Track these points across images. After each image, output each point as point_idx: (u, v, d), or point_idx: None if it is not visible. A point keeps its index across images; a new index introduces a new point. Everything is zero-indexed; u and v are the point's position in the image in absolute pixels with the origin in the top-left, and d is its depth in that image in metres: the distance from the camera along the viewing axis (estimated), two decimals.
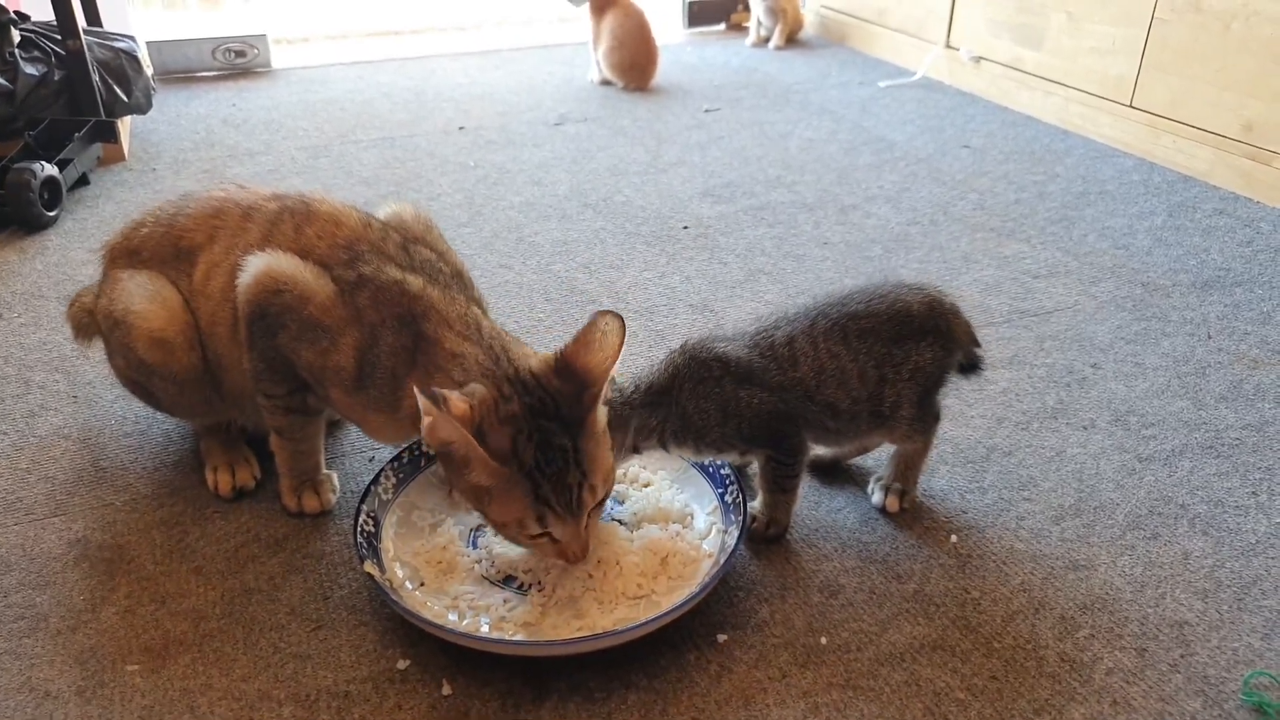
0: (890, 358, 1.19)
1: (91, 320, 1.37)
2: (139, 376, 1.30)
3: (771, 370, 1.18)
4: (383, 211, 1.31)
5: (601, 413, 1.08)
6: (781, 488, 1.23)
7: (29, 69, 2.37)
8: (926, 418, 1.26)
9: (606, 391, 1.08)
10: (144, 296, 1.25)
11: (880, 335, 1.19)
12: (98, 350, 1.40)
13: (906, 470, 1.31)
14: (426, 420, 1.00)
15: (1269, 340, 1.71)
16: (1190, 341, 1.72)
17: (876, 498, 1.32)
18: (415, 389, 1.00)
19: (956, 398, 1.55)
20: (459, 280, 1.23)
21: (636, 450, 1.19)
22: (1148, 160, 2.55)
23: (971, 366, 1.28)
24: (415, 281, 1.16)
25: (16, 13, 2.49)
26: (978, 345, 1.27)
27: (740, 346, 1.19)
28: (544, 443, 1.03)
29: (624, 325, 1.06)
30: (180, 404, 1.33)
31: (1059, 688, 1.05)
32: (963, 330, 1.25)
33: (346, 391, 1.15)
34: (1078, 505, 1.33)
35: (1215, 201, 2.30)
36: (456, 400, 1.00)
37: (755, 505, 1.26)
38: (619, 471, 1.20)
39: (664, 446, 1.19)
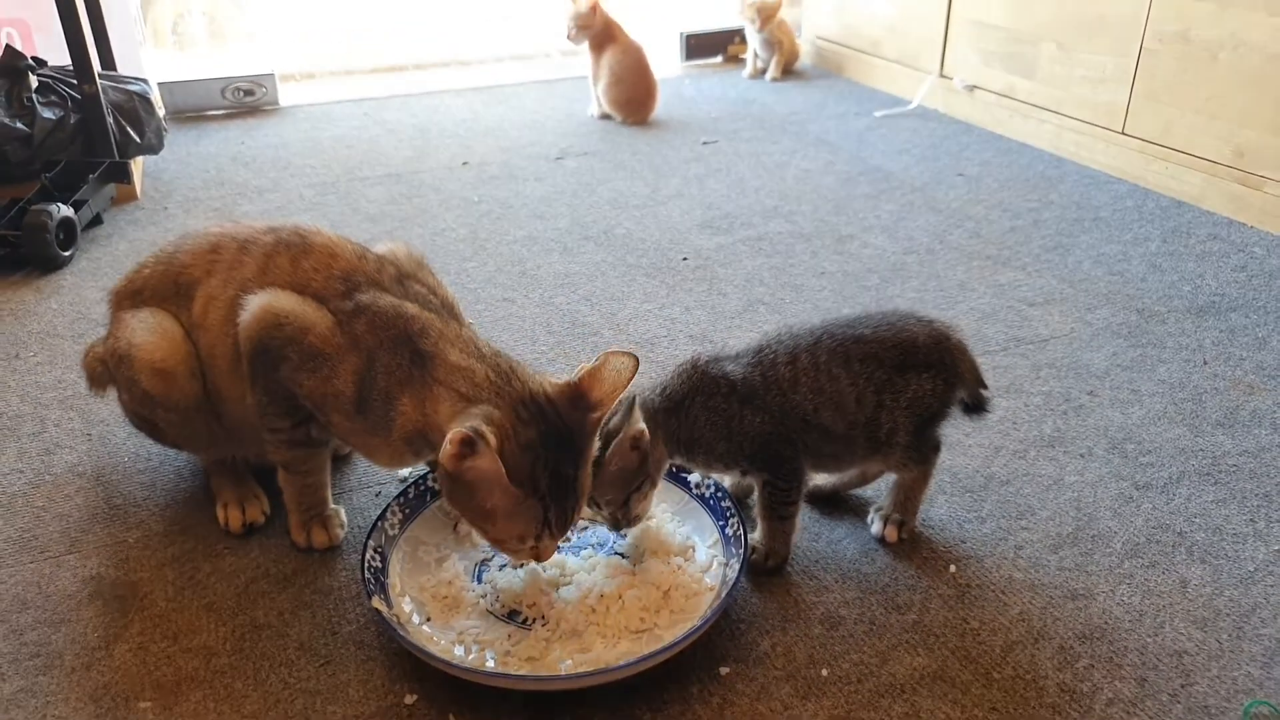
0: (890, 385, 1.21)
1: (105, 369, 1.40)
2: (143, 409, 1.33)
3: (772, 392, 1.20)
4: (377, 249, 1.34)
5: (595, 441, 1.13)
6: (779, 515, 1.25)
7: (46, 113, 2.42)
8: (924, 448, 1.28)
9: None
10: (146, 330, 1.28)
11: (883, 362, 1.21)
12: (112, 393, 1.43)
13: (906, 501, 1.33)
14: (449, 449, 1.02)
15: (1265, 365, 1.73)
16: (1186, 368, 1.74)
17: (876, 528, 1.34)
18: (454, 428, 1.02)
19: (954, 427, 1.56)
20: (449, 311, 1.27)
21: (672, 455, 1.23)
22: (1141, 186, 2.58)
23: (977, 407, 1.29)
24: (411, 305, 1.19)
25: (34, 58, 2.54)
26: (984, 386, 1.29)
27: (744, 366, 1.22)
28: (556, 472, 1.08)
29: (637, 364, 1.11)
30: (183, 435, 1.36)
31: (1059, 718, 1.06)
32: (968, 368, 1.27)
33: (347, 416, 1.18)
34: (1076, 534, 1.34)
35: (1209, 226, 2.32)
36: (489, 433, 1.02)
37: (755, 537, 1.28)
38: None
39: (683, 457, 1.23)
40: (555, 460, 1.08)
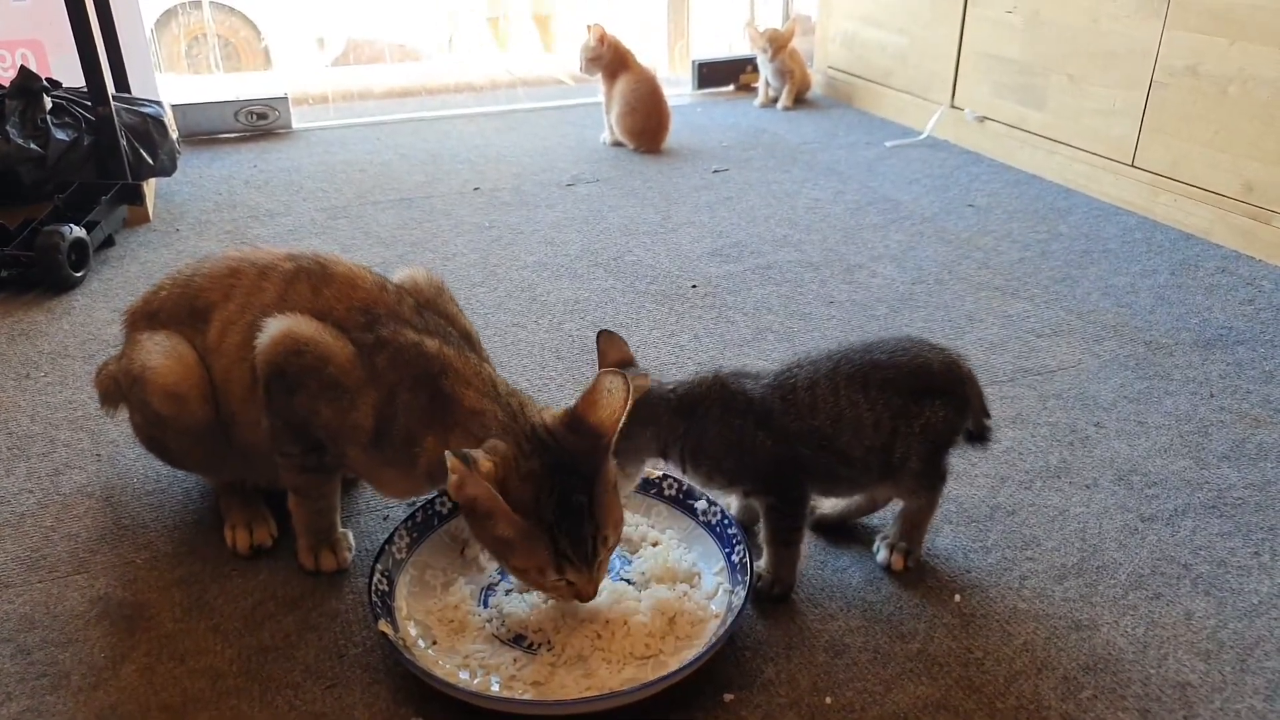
0: (905, 411, 1.22)
1: (117, 388, 1.41)
2: (154, 431, 1.34)
3: (790, 416, 1.21)
4: (397, 275, 1.35)
5: (613, 465, 1.13)
6: (784, 541, 1.25)
7: (59, 134, 2.46)
8: (933, 475, 1.28)
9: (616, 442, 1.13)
10: (160, 353, 1.29)
11: (899, 387, 1.22)
12: (123, 413, 1.45)
13: (912, 529, 1.33)
14: (454, 478, 1.04)
15: (1272, 399, 1.73)
16: (1193, 400, 1.74)
17: (881, 556, 1.34)
18: (447, 451, 1.04)
19: (960, 456, 1.57)
20: (468, 342, 1.28)
21: (663, 456, 1.25)
22: (1150, 219, 2.59)
23: (979, 437, 1.30)
24: (432, 343, 1.20)
25: (48, 80, 2.58)
26: (988, 416, 1.30)
27: (764, 387, 1.23)
28: (563, 499, 1.08)
29: (627, 383, 1.11)
30: (193, 458, 1.37)
31: None
32: (976, 397, 1.28)
33: (364, 449, 1.19)
34: (1080, 565, 1.34)
35: (1217, 260, 2.33)
36: (484, 459, 1.05)
37: (760, 565, 1.28)
38: (641, 475, 1.29)
39: (680, 463, 1.24)
40: (562, 488, 1.09)
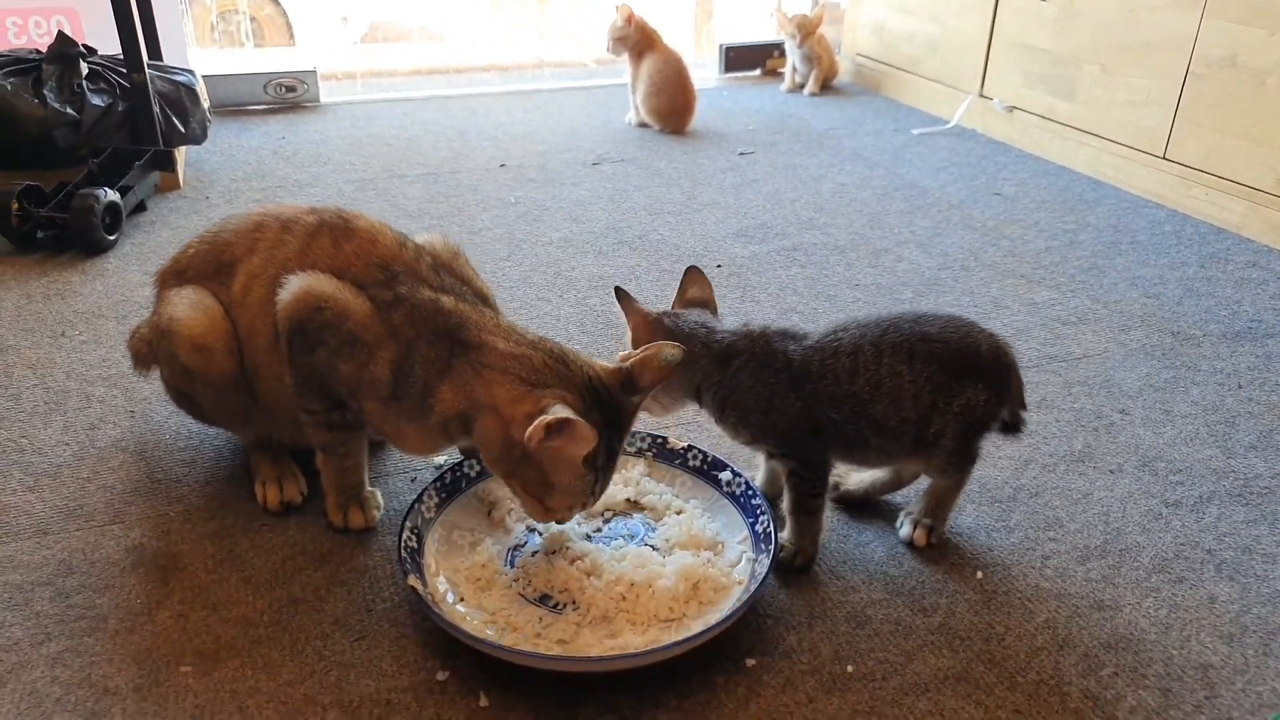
0: (946, 388, 1.21)
1: (149, 350, 1.43)
2: (182, 384, 1.36)
3: (826, 380, 1.22)
4: (416, 239, 1.37)
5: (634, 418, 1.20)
6: (806, 509, 1.26)
7: (95, 99, 2.48)
8: (965, 456, 1.28)
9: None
10: (187, 305, 1.31)
11: (944, 363, 1.21)
12: (155, 374, 1.47)
13: (937, 507, 1.33)
14: (538, 432, 1.05)
15: None
16: (1220, 391, 1.73)
17: (905, 531, 1.35)
18: (548, 407, 1.08)
19: (985, 439, 1.57)
20: (484, 303, 1.30)
21: (697, 400, 1.28)
22: (1180, 212, 2.58)
23: (1014, 426, 1.29)
24: (448, 300, 1.22)
25: (85, 46, 2.60)
26: (1024, 407, 1.29)
27: (806, 349, 1.24)
28: (610, 449, 1.15)
29: (681, 356, 1.17)
30: (220, 412, 1.39)
31: None
32: (1017, 386, 1.27)
33: (382, 402, 1.21)
34: (1104, 547, 1.35)
35: (1248, 254, 2.32)
36: (582, 426, 1.07)
37: (784, 535, 1.29)
38: (673, 410, 1.33)
39: (712, 410, 1.27)
40: (610, 439, 1.14)
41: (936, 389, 1.21)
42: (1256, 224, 2.39)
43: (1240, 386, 1.75)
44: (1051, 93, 2.99)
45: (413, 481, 1.47)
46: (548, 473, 1.12)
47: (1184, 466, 1.52)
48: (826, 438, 1.24)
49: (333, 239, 1.27)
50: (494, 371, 1.15)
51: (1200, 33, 2.48)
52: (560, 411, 1.06)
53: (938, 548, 1.34)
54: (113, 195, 2.28)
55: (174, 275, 1.39)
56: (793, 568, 1.28)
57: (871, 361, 1.21)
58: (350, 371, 1.21)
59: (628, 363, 1.17)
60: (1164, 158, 2.63)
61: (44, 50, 2.54)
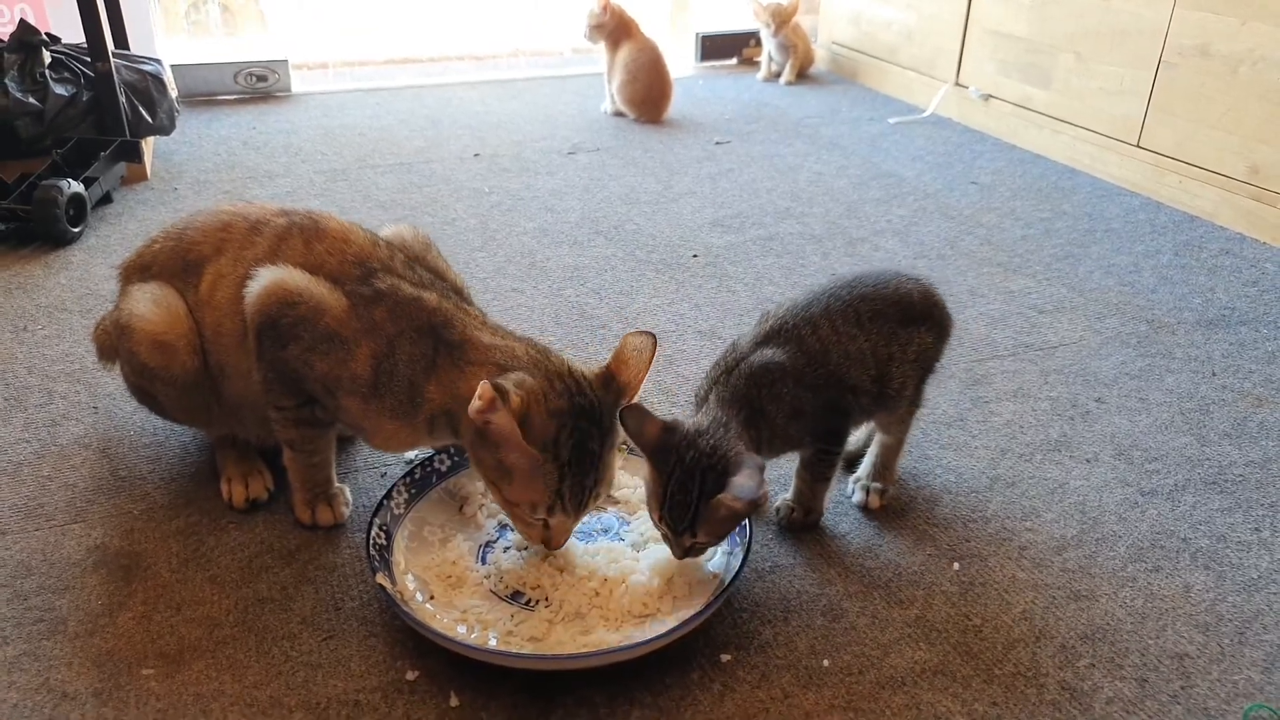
0: (897, 338, 1.27)
1: (113, 342, 1.40)
2: (142, 381, 1.33)
3: (814, 365, 1.23)
4: (384, 232, 1.35)
5: (619, 427, 1.15)
6: (824, 477, 1.30)
7: (59, 89, 2.43)
8: (916, 402, 1.35)
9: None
10: (148, 301, 1.29)
11: (888, 317, 1.28)
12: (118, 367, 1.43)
13: (884, 469, 1.39)
14: (478, 403, 1.04)
15: (1274, 379, 1.73)
16: (1194, 379, 1.74)
17: (858, 497, 1.39)
18: (484, 380, 1.04)
19: (960, 429, 1.57)
20: (460, 296, 1.29)
21: (762, 453, 1.19)
22: (1154, 200, 2.58)
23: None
24: (431, 296, 1.21)
25: (48, 34, 2.54)
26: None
27: (782, 349, 1.23)
28: (580, 444, 1.11)
29: (655, 343, 1.16)
30: (182, 410, 1.36)
31: (1059, 715, 1.06)
32: (948, 321, 1.35)
33: (362, 399, 1.18)
34: (1080, 537, 1.34)
35: (1221, 241, 2.32)
36: (513, 392, 1.06)
37: (787, 497, 1.33)
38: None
39: (774, 453, 1.26)
40: (582, 433, 1.11)
41: (889, 341, 1.27)
42: (1228, 211, 2.40)
43: (1214, 374, 1.75)
44: (1027, 81, 2.99)
45: (382, 477, 1.45)
46: (501, 453, 1.09)
47: (1159, 455, 1.52)
48: (844, 411, 1.27)
49: (304, 240, 1.25)
50: (476, 366, 1.14)
51: (1173, 21, 2.48)
52: (496, 382, 1.04)
53: (914, 539, 1.33)
54: (77, 187, 2.23)
55: (138, 270, 1.36)
56: (804, 525, 1.34)
57: (830, 335, 1.24)
58: (327, 369, 1.18)
59: (606, 363, 1.17)
60: (1138, 145, 2.63)
61: (5, 39, 2.48)
